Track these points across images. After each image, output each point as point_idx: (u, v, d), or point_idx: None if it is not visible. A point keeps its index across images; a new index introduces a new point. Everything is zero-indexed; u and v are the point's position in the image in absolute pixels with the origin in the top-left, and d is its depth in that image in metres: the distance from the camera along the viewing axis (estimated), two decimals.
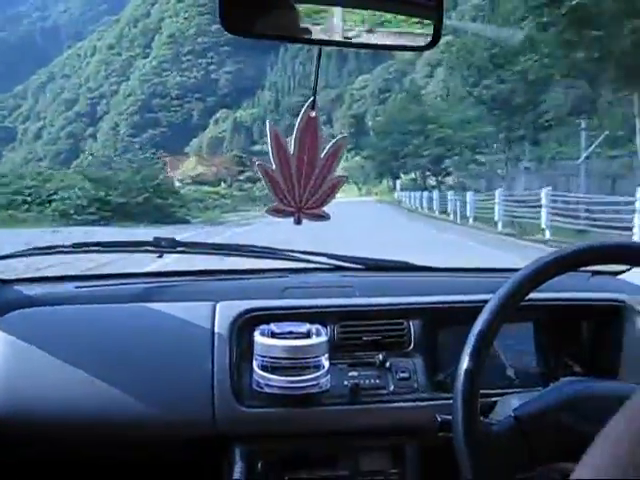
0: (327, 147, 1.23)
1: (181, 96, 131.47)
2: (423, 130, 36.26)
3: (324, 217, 1.28)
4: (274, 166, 1.21)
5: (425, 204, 30.05)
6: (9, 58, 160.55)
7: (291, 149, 1.22)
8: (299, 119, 1.18)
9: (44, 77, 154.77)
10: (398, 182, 46.85)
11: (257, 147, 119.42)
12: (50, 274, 1.71)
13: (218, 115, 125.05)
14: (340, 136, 1.24)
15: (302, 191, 1.24)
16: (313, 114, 1.16)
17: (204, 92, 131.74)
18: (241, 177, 53.96)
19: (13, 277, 1.61)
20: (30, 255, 1.59)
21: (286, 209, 1.25)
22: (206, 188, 41.60)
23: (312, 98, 1.16)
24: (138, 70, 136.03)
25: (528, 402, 0.99)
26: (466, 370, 0.91)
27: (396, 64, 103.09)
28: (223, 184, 47.70)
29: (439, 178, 37.58)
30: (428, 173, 39.74)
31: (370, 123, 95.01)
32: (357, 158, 71.85)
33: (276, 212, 1.25)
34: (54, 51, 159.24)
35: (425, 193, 31.42)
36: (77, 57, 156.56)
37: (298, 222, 1.25)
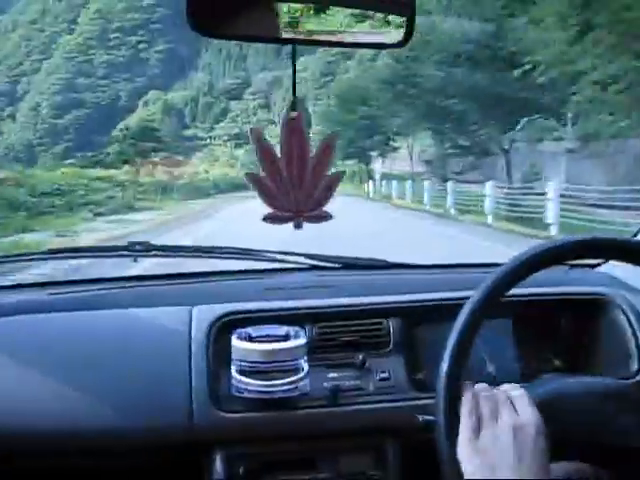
0: (318, 146, 1.19)
1: (108, 75, 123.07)
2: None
3: (326, 217, 1.23)
4: (262, 172, 1.17)
5: (488, 207, 16.05)
6: None
7: (278, 153, 1.19)
8: (282, 121, 1.15)
9: None
10: (377, 166, 33.26)
11: (189, 131, 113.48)
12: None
13: (148, 97, 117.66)
14: (330, 133, 1.20)
15: (297, 194, 1.20)
16: (294, 114, 1.14)
17: (133, 72, 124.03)
18: (156, 157, 40.61)
19: None
20: (2, 262, 1.59)
21: (283, 215, 1.20)
22: (92, 172, 30.25)
23: (292, 99, 1.15)
24: (62, 47, 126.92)
25: None
26: (448, 370, 0.91)
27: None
28: (127, 166, 35.39)
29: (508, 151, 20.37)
30: (452, 151, 24.78)
31: (311, 108, 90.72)
32: None
33: (273, 219, 1.20)
34: None
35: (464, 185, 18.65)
36: None
37: (298, 226, 1.22)
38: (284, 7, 0.99)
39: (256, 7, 0.96)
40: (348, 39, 1.04)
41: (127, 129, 46.74)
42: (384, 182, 29.08)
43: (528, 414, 0.87)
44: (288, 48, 1.07)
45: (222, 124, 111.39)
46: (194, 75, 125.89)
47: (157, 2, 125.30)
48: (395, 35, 1.04)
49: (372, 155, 35.07)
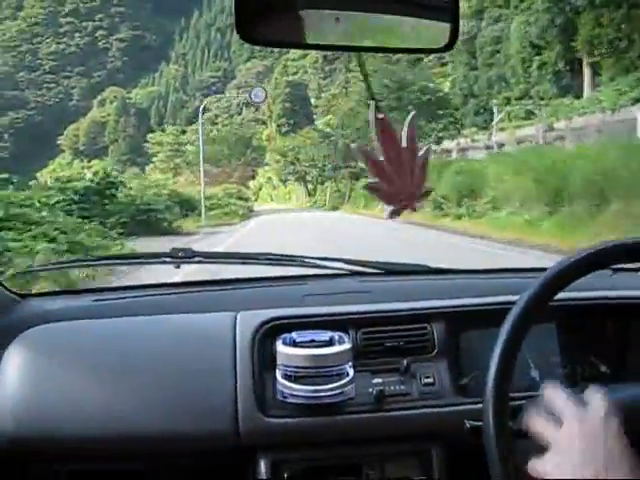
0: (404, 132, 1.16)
1: (57, 69, 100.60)
2: None
3: (429, 191, 1.21)
4: (381, 157, 1.14)
5: None
6: None
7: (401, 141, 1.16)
8: (373, 123, 1.16)
9: None
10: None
11: (154, 135, 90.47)
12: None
13: (105, 94, 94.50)
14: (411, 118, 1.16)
15: (406, 184, 1.17)
16: (381, 115, 1.14)
17: (89, 65, 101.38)
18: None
19: (31, 292, 1.63)
20: (53, 269, 1.76)
21: (401, 205, 1.17)
22: None
23: (375, 103, 1.13)
24: (1, 34, 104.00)
25: None
26: (495, 377, 0.91)
27: None
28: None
29: None
30: None
31: (313, 100, 68.53)
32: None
33: (396, 213, 1.17)
34: None
35: None
36: None
37: (395, 215, 1.18)
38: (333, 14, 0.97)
39: (298, 15, 0.96)
40: (392, 44, 1.05)
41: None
42: None
43: (607, 411, 0.86)
44: None
45: (195, 126, 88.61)
46: (165, 68, 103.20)
47: None
48: (440, 40, 1.03)
49: None
